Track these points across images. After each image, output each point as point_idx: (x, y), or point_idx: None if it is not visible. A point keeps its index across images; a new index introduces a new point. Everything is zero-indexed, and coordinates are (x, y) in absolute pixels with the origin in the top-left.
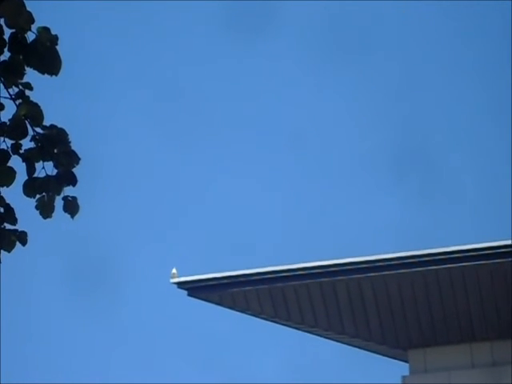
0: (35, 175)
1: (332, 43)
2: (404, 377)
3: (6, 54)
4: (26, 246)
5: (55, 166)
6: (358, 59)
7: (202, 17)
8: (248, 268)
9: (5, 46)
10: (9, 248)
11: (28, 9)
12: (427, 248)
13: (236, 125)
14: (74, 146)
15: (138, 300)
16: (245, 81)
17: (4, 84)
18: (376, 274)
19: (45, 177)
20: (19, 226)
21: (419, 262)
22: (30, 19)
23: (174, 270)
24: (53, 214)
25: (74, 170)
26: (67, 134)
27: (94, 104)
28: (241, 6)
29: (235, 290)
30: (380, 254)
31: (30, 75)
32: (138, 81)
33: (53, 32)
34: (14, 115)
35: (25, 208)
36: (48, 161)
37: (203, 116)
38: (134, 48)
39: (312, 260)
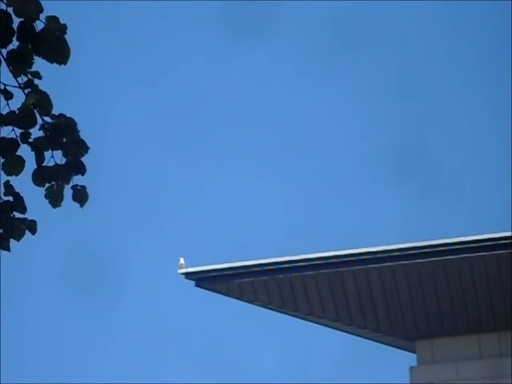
0: (44, 164)
1: (332, 43)
2: (412, 367)
3: (15, 43)
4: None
5: (64, 155)
6: (358, 59)
7: (201, 16)
8: (256, 259)
9: (13, 35)
10: (18, 236)
11: None
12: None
13: (236, 123)
14: (82, 135)
15: (144, 291)
16: (245, 80)
17: (13, 73)
18: (384, 264)
19: (54, 166)
20: (28, 215)
21: (427, 252)
22: (39, 8)
23: (182, 261)
24: (62, 203)
25: (82, 158)
26: (76, 123)
27: (93, 102)
28: (241, 6)
29: (243, 280)
30: (387, 245)
31: (39, 64)
32: (138, 79)
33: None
34: (22, 104)
35: (34, 197)
36: (57, 150)
37: (203, 114)
38: (133, 47)
39: (320, 251)
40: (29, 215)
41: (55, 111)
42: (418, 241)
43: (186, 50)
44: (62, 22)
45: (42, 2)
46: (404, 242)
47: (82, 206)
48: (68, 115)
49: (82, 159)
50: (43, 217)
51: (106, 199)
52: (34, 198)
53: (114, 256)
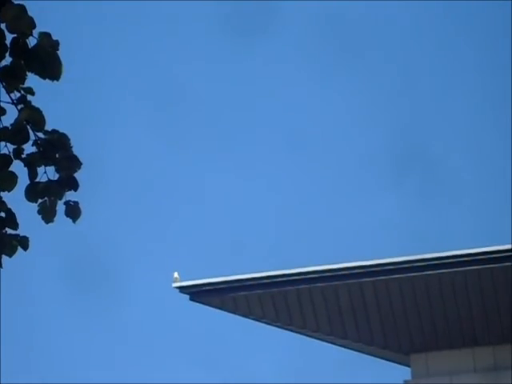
0: (37, 180)
1: (332, 43)
2: (406, 381)
3: (8, 59)
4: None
5: (57, 171)
6: (358, 59)
7: (201, 17)
8: (250, 272)
9: (6, 51)
10: (10, 253)
11: (29, 14)
12: (428, 250)
13: (236, 125)
14: (75, 150)
15: (139, 303)
16: (244, 81)
17: (6, 89)
18: (378, 278)
19: (47, 181)
20: (20, 231)
21: (421, 266)
22: (32, 24)
23: (176, 275)
24: (55, 219)
25: (75, 174)
26: (69, 139)
27: (93, 108)
28: (241, 6)
29: (237, 294)
30: (381, 257)
31: (32, 80)
32: (138, 83)
33: (53, 37)
34: (15, 120)
35: (26, 212)
36: (50, 165)
37: (203, 117)
38: (132, 49)
39: (314, 264)
40: (23, 229)
41: (48, 127)
42: (414, 247)
43: (186, 51)
44: (54, 38)
45: (35, 18)
46: (398, 253)
47: (74, 221)
48: (61, 131)
49: (75, 175)
50: (39, 224)
51: (104, 208)
52: (27, 213)
53: (112, 266)
